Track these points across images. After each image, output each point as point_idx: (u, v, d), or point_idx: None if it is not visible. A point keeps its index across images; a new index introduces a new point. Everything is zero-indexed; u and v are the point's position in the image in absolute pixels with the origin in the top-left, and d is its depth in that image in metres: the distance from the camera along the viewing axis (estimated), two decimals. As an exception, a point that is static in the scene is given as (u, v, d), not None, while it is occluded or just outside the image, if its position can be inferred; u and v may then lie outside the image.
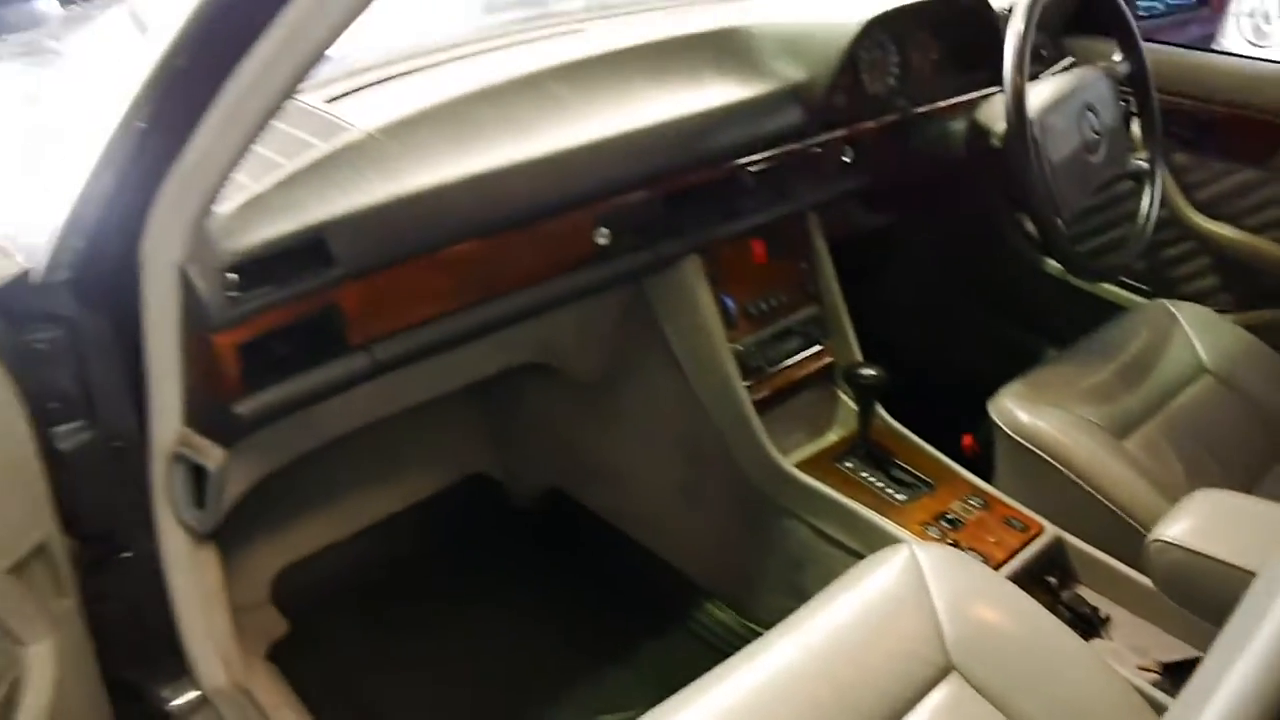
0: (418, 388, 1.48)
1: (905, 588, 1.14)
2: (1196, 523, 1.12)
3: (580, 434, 1.84)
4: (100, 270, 1.01)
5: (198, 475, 1.15)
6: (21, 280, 1.01)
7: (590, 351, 1.68)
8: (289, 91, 0.89)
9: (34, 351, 1.03)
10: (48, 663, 1.09)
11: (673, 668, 1.20)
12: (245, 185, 1.08)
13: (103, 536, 1.15)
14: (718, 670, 1.05)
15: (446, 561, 1.85)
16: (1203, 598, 1.10)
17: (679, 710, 1.01)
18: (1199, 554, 1.08)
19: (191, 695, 1.21)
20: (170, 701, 1.20)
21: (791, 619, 1.11)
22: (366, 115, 1.24)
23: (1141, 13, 2.01)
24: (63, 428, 1.07)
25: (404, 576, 1.81)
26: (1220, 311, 1.82)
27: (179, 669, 1.24)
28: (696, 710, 1.00)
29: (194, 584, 1.22)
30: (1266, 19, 3.62)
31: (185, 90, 0.85)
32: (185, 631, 1.24)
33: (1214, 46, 3.52)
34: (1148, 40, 1.79)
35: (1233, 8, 3.77)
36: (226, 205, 1.05)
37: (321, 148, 1.17)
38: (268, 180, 1.10)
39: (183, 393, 1.10)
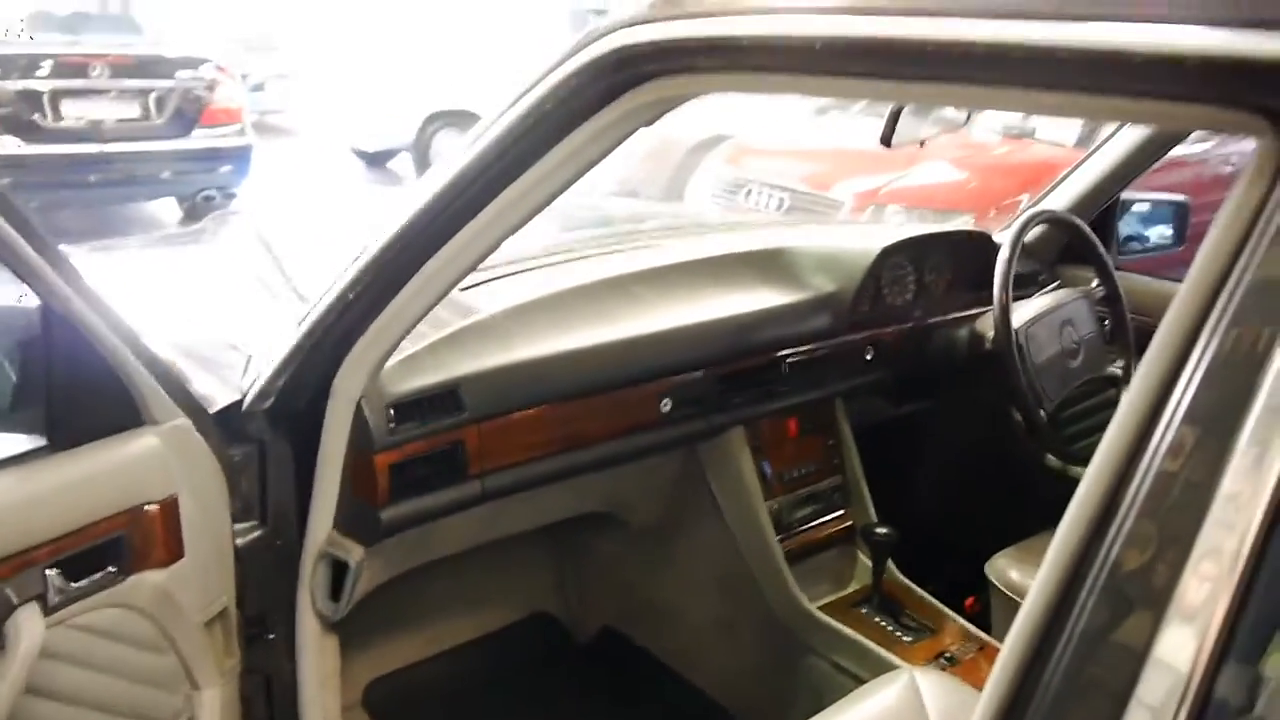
0: (508, 522, 1.78)
1: (904, 707, 1.38)
2: None
3: (634, 576, 2.12)
4: (293, 402, 1.36)
5: (336, 573, 1.47)
6: (235, 406, 1.37)
7: (649, 502, 1.98)
8: (454, 284, 1.26)
9: (233, 463, 1.37)
10: (214, 710, 1.38)
11: None
12: (404, 348, 1.44)
13: (258, 618, 1.46)
14: None
15: (513, 688, 2.09)
16: None
17: None
18: None
19: None
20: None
21: None
22: (490, 301, 1.63)
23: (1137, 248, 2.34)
24: (240, 525, 1.40)
25: (475, 698, 2.06)
26: None
27: None
28: None
29: (317, 665, 1.52)
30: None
31: (389, 275, 1.22)
32: (305, 705, 1.52)
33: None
34: (1124, 270, 2.14)
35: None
36: (390, 361, 1.41)
37: (458, 323, 1.54)
38: (420, 345, 1.47)
39: (338, 501, 1.43)
